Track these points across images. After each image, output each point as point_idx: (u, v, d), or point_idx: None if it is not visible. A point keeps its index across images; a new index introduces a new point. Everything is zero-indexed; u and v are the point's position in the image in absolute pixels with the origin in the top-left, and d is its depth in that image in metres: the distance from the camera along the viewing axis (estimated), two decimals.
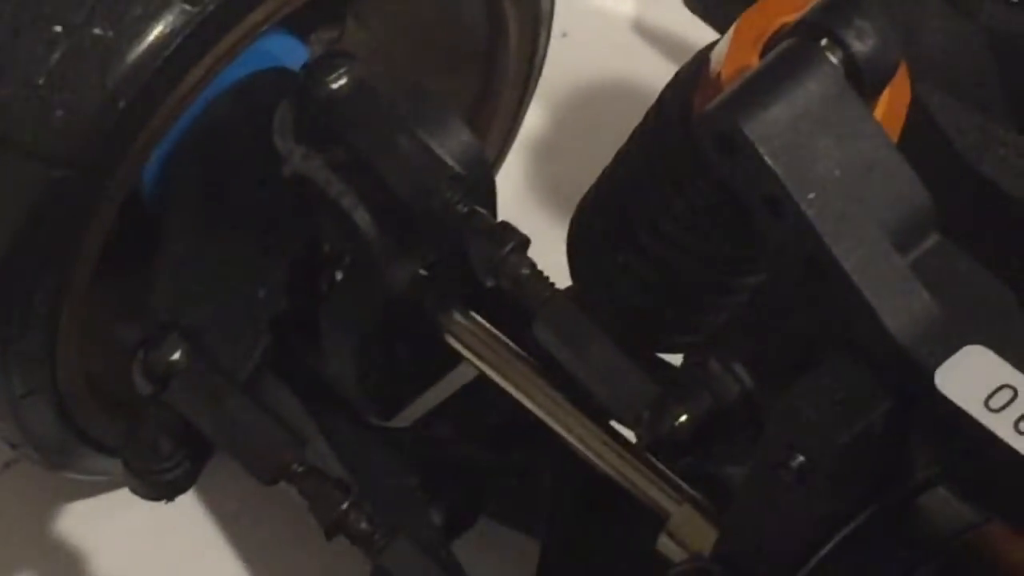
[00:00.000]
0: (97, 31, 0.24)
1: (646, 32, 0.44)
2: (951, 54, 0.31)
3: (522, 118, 0.34)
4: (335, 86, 0.25)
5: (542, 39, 0.32)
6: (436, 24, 0.32)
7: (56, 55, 0.24)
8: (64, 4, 0.26)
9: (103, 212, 0.25)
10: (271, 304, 0.27)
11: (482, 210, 0.26)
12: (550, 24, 0.31)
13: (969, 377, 0.21)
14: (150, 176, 0.29)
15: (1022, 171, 0.30)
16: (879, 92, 0.23)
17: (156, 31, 0.24)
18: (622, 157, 0.26)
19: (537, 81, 0.33)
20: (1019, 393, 0.21)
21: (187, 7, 0.25)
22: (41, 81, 0.24)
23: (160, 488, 0.26)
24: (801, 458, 0.21)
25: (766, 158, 0.21)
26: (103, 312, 0.29)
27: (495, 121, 0.34)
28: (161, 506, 0.28)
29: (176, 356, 0.26)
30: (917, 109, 0.25)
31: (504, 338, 0.29)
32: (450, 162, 0.25)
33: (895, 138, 0.24)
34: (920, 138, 0.25)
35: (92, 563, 0.41)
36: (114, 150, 0.24)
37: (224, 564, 0.42)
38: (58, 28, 0.24)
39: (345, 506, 0.26)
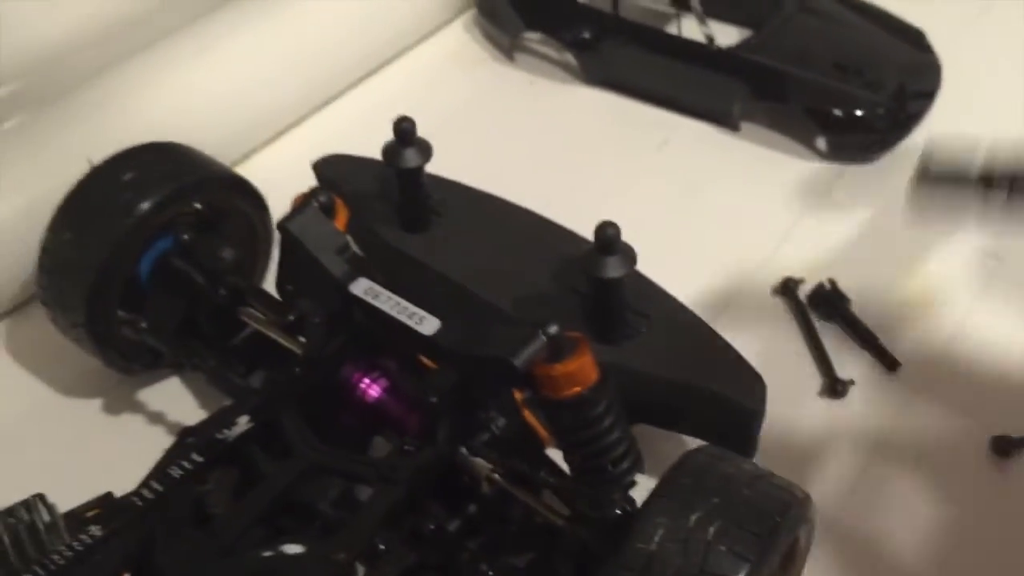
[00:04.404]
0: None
1: None
2: (376, 191, 0.71)
3: (267, 253, 0.77)
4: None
5: (268, 226, 0.74)
6: (239, 229, 0.73)
7: None
8: None
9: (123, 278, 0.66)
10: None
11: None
12: (269, 222, 0.75)
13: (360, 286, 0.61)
14: (143, 271, 0.65)
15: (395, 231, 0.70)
16: (332, 216, 0.61)
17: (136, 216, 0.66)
18: None
19: (270, 239, 0.77)
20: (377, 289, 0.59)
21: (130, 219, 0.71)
22: None
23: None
24: None
25: (294, 232, 0.59)
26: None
27: (257, 256, 0.77)
28: None
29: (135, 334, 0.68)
30: (356, 219, 0.66)
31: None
32: (228, 258, 0.68)
33: (343, 229, 0.65)
34: (357, 230, 0.67)
35: None
36: (125, 256, 0.65)
37: None
38: None
39: None
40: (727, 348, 0.62)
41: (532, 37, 1.06)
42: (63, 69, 0.91)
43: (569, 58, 1.04)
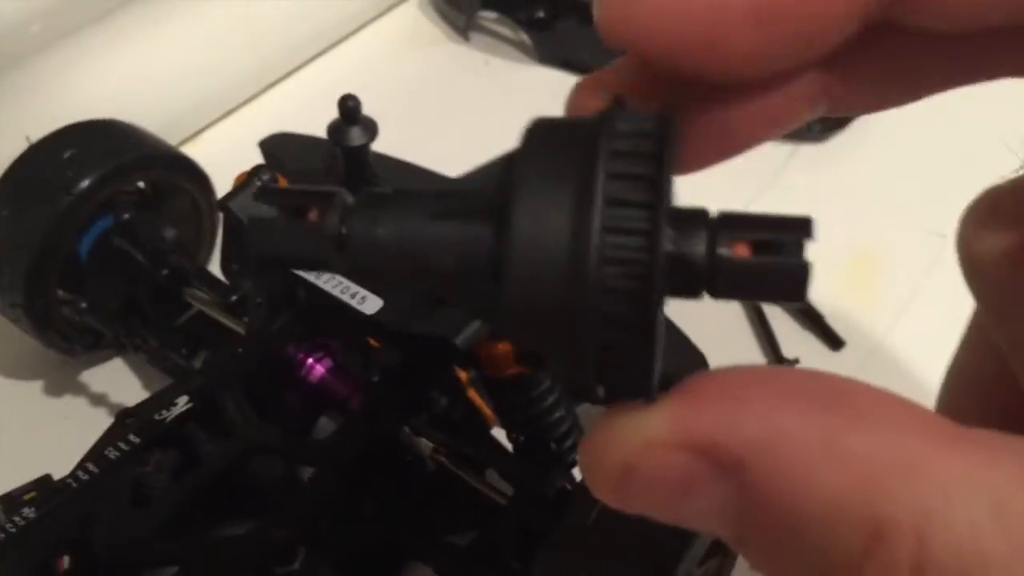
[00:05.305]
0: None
1: None
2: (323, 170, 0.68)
3: (212, 233, 0.78)
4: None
5: (212, 206, 0.74)
6: (183, 209, 0.74)
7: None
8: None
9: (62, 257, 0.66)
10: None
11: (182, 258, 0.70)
12: (214, 202, 0.75)
13: None
14: (83, 251, 0.66)
15: None
16: None
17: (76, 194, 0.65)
18: None
19: (215, 219, 0.78)
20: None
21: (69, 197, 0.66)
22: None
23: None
24: None
25: (236, 213, 0.61)
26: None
27: (202, 237, 0.78)
28: None
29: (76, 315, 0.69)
30: None
31: None
32: (170, 237, 0.69)
33: None
34: None
35: None
36: (64, 234, 0.65)
37: None
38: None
39: None
40: (671, 328, 0.62)
41: (487, 16, 1.06)
42: (7, 43, 0.90)
43: (524, 38, 1.03)
